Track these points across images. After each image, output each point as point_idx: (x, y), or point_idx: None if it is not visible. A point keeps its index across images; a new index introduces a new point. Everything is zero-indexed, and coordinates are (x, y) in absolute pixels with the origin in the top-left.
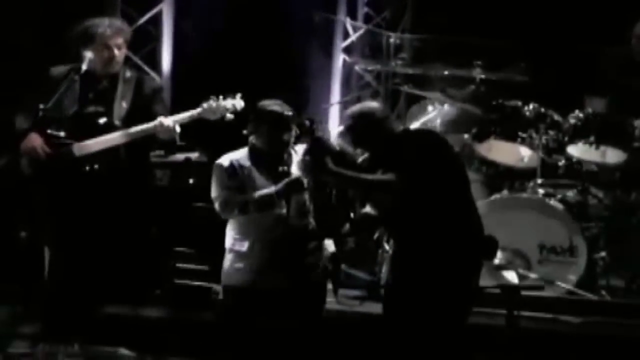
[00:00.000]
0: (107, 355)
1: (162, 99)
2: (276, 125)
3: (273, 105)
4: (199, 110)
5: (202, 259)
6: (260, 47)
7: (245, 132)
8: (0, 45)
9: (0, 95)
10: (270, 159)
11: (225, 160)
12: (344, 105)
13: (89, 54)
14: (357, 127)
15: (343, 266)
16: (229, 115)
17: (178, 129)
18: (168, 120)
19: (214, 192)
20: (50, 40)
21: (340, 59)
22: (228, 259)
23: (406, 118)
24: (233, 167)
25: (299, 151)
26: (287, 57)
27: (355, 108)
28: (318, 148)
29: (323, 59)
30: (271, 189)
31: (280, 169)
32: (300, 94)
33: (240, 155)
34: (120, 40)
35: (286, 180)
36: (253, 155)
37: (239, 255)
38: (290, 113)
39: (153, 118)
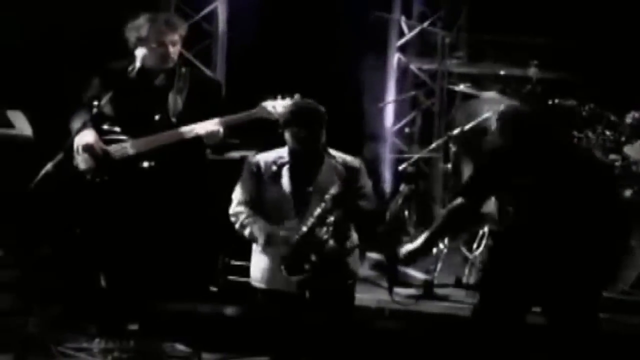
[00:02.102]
0: (162, 351)
1: (218, 95)
2: (298, 122)
3: (299, 102)
4: (257, 109)
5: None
6: (315, 46)
7: (280, 130)
8: (56, 42)
9: (56, 92)
10: (301, 160)
11: (254, 157)
12: (399, 103)
13: (143, 50)
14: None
15: (398, 265)
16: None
17: (222, 130)
18: (209, 127)
19: (235, 190)
20: (106, 37)
21: (395, 57)
22: (254, 258)
23: (458, 115)
24: (257, 166)
25: (337, 158)
26: (343, 56)
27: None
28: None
29: (378, 58)
30: (261, 238)
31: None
32: (356, 93)
33: (277, 153)
34: (175, 37)
35: (286, 253)
36: (289, 155)
37: (262, 254)
38: (315, 110)
39: (209, 114)
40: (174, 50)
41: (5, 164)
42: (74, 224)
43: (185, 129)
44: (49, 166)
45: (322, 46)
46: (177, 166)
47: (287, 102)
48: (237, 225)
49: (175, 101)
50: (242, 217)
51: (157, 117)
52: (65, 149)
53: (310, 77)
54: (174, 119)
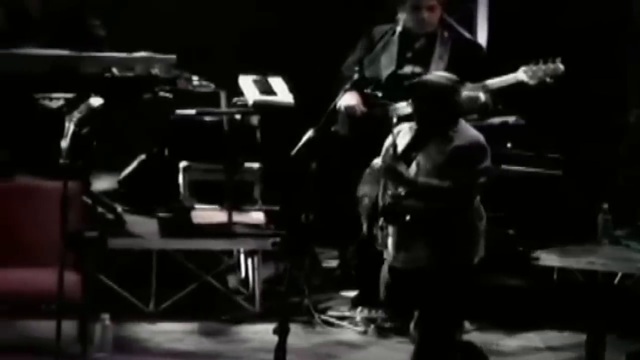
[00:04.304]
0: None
1: (480, 59)
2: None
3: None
4: (518, 74)
5: (511, 223)
6: (581, 9)
7: None
8: (315, 7)
9: (316, 57)
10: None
11: None
12: None
13: (403, 15)
14: None
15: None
16: (549, 80)
17: (482, 96)
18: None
19: None
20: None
21: None
22: None
23: None
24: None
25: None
26: (607, 24)
27: None
28: None
29: None
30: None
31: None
32: (621, 57)
33: None
34: (432, 2)
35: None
36: None
37: None
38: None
39: (471, 79)
40: (432, 15)
41: (268, 130)
42: (336, 191)
43: None
44: (311, 132)
45: (588, 11)
46: None
47: (549, 66)
48: None
49: (437, 65)
50: None
51: None
52: (327, 114)
53: (573, 41)
54: None
